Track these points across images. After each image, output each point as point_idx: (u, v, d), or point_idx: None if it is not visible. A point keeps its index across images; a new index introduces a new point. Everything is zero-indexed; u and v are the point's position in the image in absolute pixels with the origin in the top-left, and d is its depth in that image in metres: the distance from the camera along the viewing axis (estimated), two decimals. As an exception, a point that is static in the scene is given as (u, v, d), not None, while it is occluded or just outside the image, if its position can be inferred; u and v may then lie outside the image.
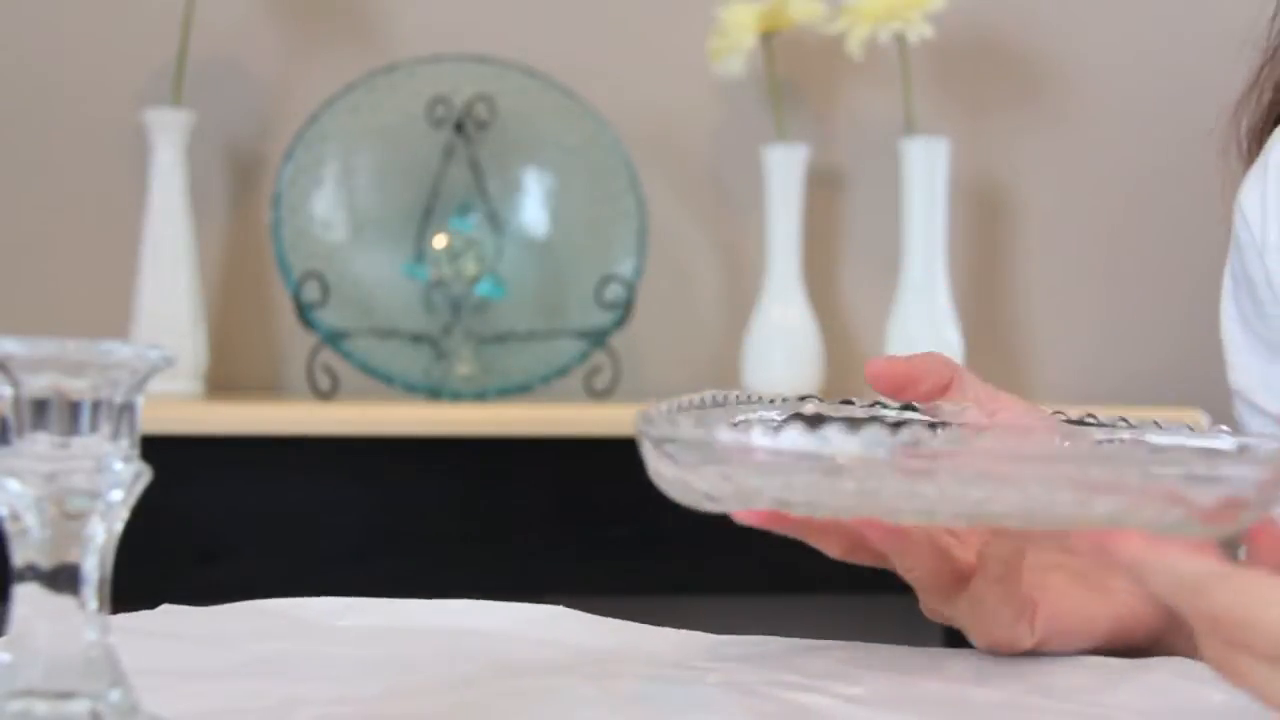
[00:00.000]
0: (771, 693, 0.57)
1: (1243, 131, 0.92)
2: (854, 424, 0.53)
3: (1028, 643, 0.65)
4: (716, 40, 1.86)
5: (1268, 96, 0.91)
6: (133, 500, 0.44)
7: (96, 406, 0.43)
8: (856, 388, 1.75)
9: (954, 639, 0.69)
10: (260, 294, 1.91)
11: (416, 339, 1.80)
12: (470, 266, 1.81)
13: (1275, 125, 0.90)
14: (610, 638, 0.67)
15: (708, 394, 0.63)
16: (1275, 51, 0.91)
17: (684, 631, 0.68)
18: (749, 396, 0.65)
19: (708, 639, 0.68)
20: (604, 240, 1.83)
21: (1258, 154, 0.90)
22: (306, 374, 1.73)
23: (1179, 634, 0.69)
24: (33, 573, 0.43)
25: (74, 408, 0.43)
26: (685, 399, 0.60)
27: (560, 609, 0.70)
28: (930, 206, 1.85)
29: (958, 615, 0.66)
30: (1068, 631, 0.67)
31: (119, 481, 0.44)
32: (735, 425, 0.58)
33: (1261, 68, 0.91)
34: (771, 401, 0.65)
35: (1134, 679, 0.62)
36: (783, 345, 1.84)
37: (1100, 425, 0.66)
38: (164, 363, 0.44)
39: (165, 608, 0.71)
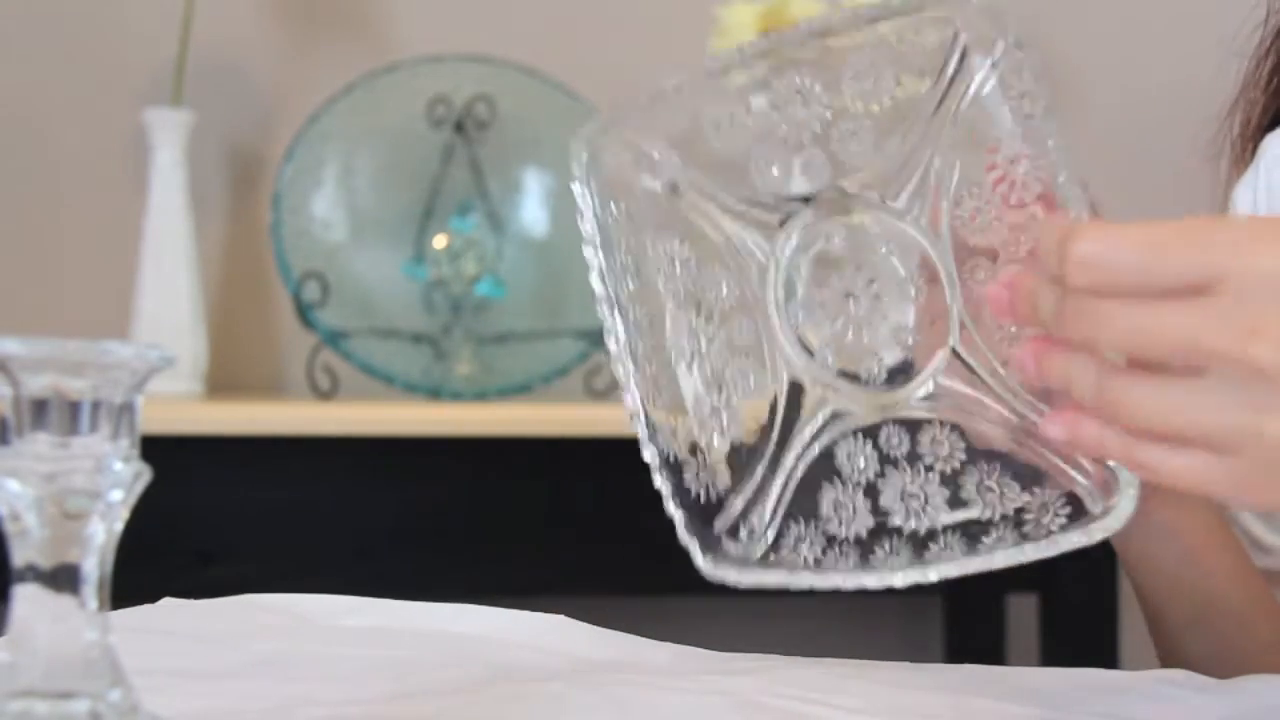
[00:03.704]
0: (771, 704, 0.57)
1: (1234, 135, 0.93)
2: None
3: None
4: (716, 40, 1.86)
5: (1259, 99, 0.92)
6: (133, 500, 0.44)
7: (96, 406, 0.43)
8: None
9: (954, 652, 0.70)
10: (260, 294, 1.91)
11: (416, 339, 1.80)
12: (470, 266, 1.81)
13: (1268, 129, 0.91)
14: (611, 648, 0.67)
15: None
16: (1266, 55, 0.91)
17: (684, 646, 0.68)
18: None
19: (708, 653, 0.68)
20: (604, 240, 1.83)
21: (1250, 158, 0.90)
22: (306, 374, 1.73)
23: None
24: (33, 573, 0.43)
25: (74, 408, 0.43)
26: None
27: (561, 618, 0.70)
28: (930, 207, 1.84)
29: None
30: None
31: (119, 481, 0.44)
32: None
33: (1253, 72, 0.92)
34: None
35: (1134, 690, 0.62)
36: (783, 345, 1.84)
37: None
38: (164, 363, 0.44)
39: (166, 601, 0.71)
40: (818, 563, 0.66)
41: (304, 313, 1.73)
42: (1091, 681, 0.63)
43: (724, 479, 0.69)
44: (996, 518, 0.66)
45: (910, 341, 0.67)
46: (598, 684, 0.59)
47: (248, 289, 1.91)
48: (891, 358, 0.67)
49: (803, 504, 0.68)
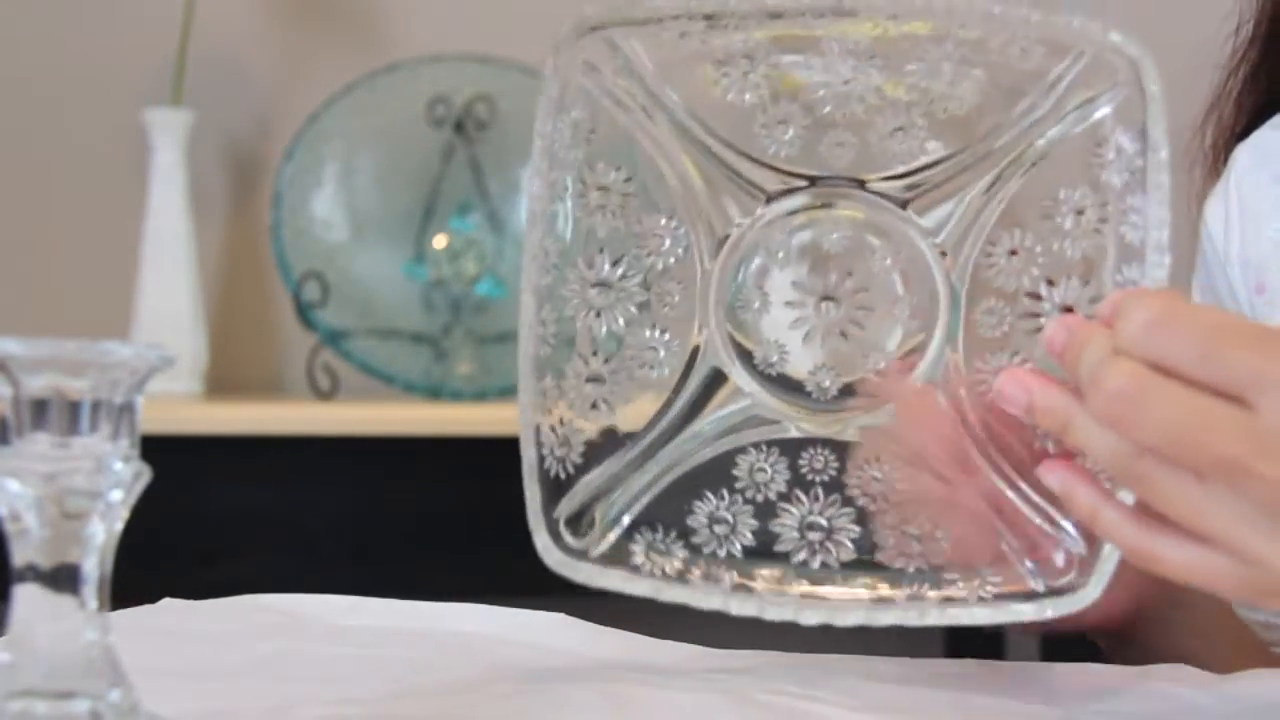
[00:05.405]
0: (773, 701, 0.57)
1: (1207, 145, 0.93)
2: None
3: None
4: (716, 40, 1.86)
5: (1231, 110, 0.92)
6: (133, 500, 0.44)
7: (96, 406, 0.43)
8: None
9: (955, 648, 0.69)
10: (260, 294, 1.91)
11: (416, 339, 1.80)
12: (470, 266, 1.81)
13: (1238, 139, 0.91)
14: (612, 647, 0.67)
15: None
16: (1238, 66, 0.92)
17: (684, 645, 0.68)
18: None
19: (707, 652, 0.68)
20: (604, 240, 1.83)
21: (1222, 168, 0.91)
22: (306, 374, 1.73)
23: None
24: (33, 573, 0.43)
25: (74, 408, 0.43)
26: None
27: (561, 616, 0.69)
28: (930, 206, 1.84)
29: None
30: None
31: (119, 481, 0.44)
32: None
33: (1224, 82, 0.93)
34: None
35: (1137, 686, 0.61)
36: (783, 345, 1.84)
37: None
38: (164, 363, 0.44)
39: (166, 602, 0.71)
40: (680, 576, 0.60)
41: (304, 312, 1.73)
42: (1091, 678, 0.63)
43: (578, 457, 0.60)
44: (910, 570, 0.59)
45: (881, 365, 0.60)
46: (598, 684, 0.59)
47: (248, 289, 1.91)
48: (851, 376, 0.60)
49: (668, 510, 0.61)
